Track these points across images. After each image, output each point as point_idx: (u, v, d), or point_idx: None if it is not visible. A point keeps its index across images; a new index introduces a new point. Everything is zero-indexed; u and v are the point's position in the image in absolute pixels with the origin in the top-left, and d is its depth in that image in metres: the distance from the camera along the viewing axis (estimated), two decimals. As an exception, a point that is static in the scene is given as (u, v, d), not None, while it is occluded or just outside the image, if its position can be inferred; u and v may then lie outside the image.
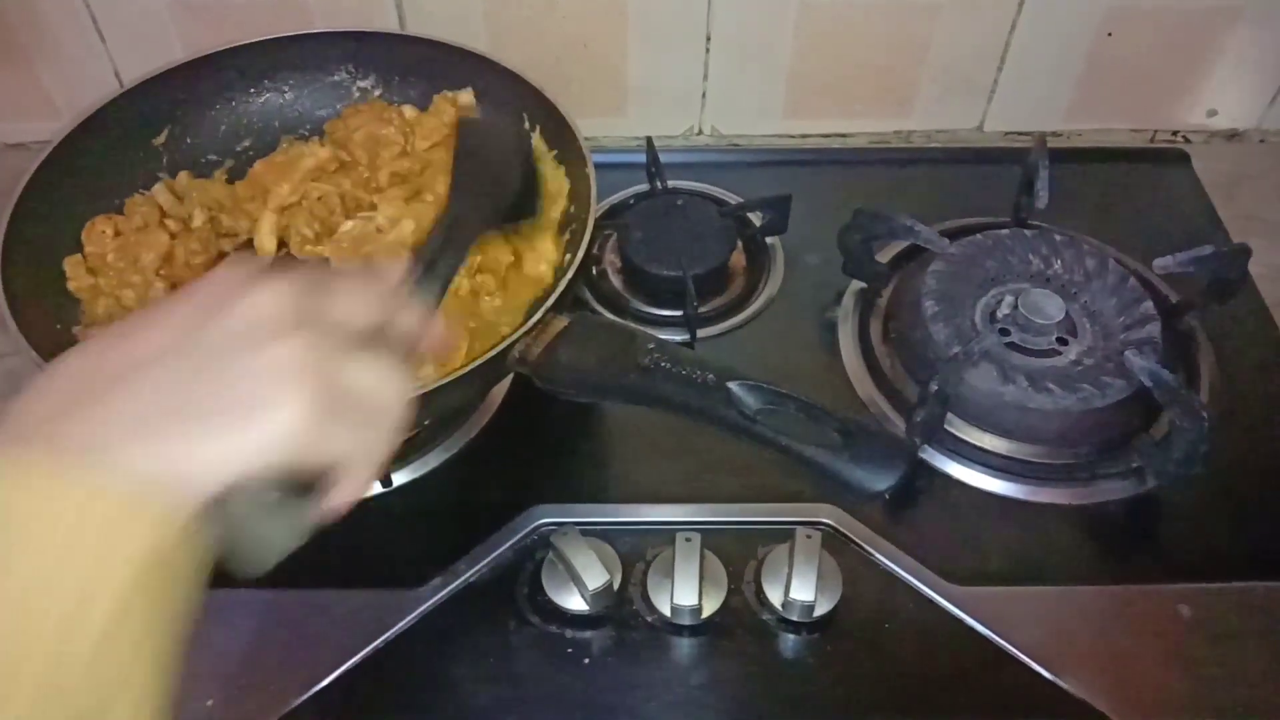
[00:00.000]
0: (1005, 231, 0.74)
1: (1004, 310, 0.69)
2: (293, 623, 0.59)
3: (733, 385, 0.48)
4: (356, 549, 0.63)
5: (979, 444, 0.66)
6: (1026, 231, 0.74)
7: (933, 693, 0.57)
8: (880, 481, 0.45)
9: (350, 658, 0.57)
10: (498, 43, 0.82)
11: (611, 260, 0.79)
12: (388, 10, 0.82)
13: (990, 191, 0.81)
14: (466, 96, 0.75)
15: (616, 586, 0.59)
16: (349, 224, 0.69)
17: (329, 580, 0.60)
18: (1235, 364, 0.71)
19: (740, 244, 0.79)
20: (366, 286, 0.39)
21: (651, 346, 0.51)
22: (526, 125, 0.72)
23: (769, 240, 0.79)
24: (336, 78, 0.77)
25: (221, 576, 0.59)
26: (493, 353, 0.55)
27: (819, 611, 0.57)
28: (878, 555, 0.61)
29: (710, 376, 0.48)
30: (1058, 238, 0.73)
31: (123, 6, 0.81)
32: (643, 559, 0.61)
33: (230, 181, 0.74)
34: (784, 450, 0.46)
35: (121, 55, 0.84)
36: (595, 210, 0.63)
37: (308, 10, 0.81)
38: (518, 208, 0.62)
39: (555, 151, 0.71)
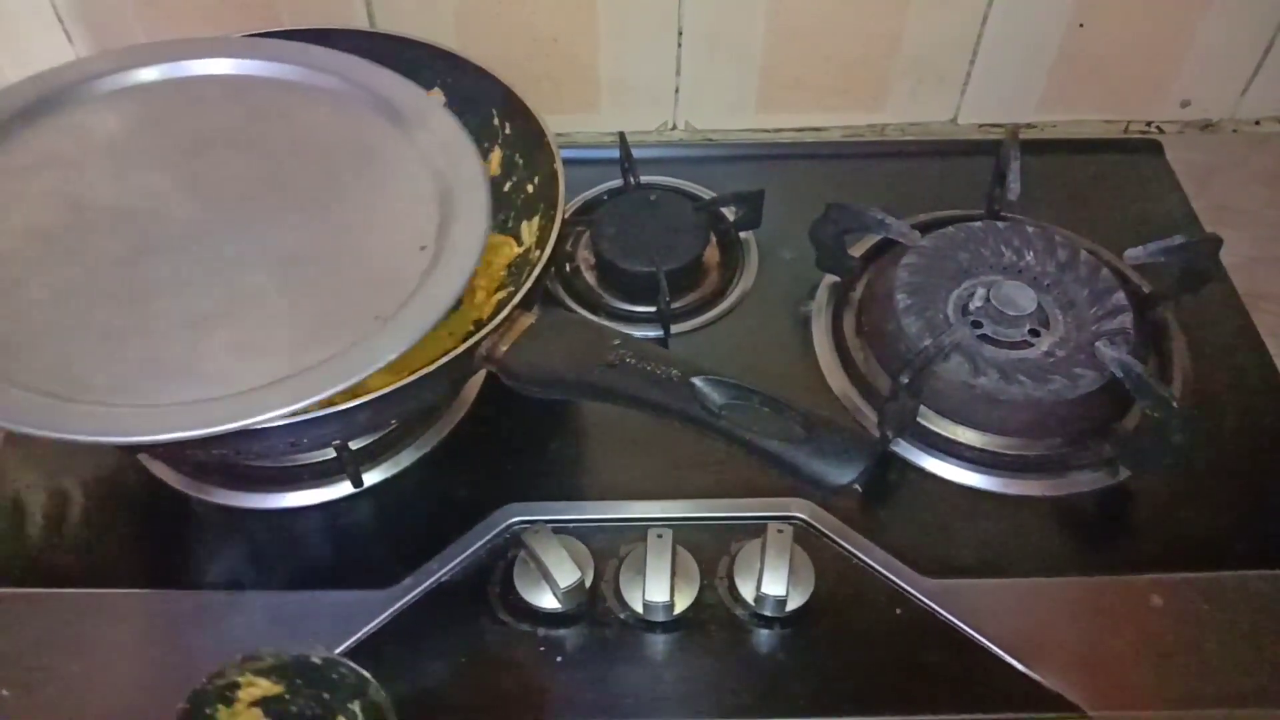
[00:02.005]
0: (978, 224, 0.74)
1: (976, 302, 0.70)
2: (265, 625, 0.59)
3: (697, 381, 0.48)
4: (328, 550, 0.63)
5: (952, 436, 0.66)
6: (999, 224, 0.74)
7: (906, 686, 0.57)
8: (843, 475, 0.45)
9: (322, 659, 0.57)
10: (467, 39, 0.82)
11: (585, 256, 0.79)
12: (356, 7, 0.81)
13: (964, 184, 0.81)
14: (435, 95, 0.75)
15: (588, 584, 0.58)
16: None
17: (300, 582, 0.60)
18: (1208, 354, 0.72)
19: (714, 239, 0.79)
20: None
21: (617, 343, 0.51)
22: (496, 122, 0.73)
23: (743, 235, 0.80)
24: (305, 75, 0.76)
25: (191, 578, 0.60)
26: (460, 350, 0.55)
27: (791, 606, 0.57)
28: (850, 549, 0.61)
29: (675, 372, 0.49)
30: (1030, 229, 0.73)
31: (88, 2, 0.81)
32: (615, 556, 0.61)
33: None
34: (747, 445, 0.46)
35: (87, 51, 0.83)
36: (564, 207, 0.63)
37: (274, 6, 0.81)
38: None
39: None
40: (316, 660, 0.48)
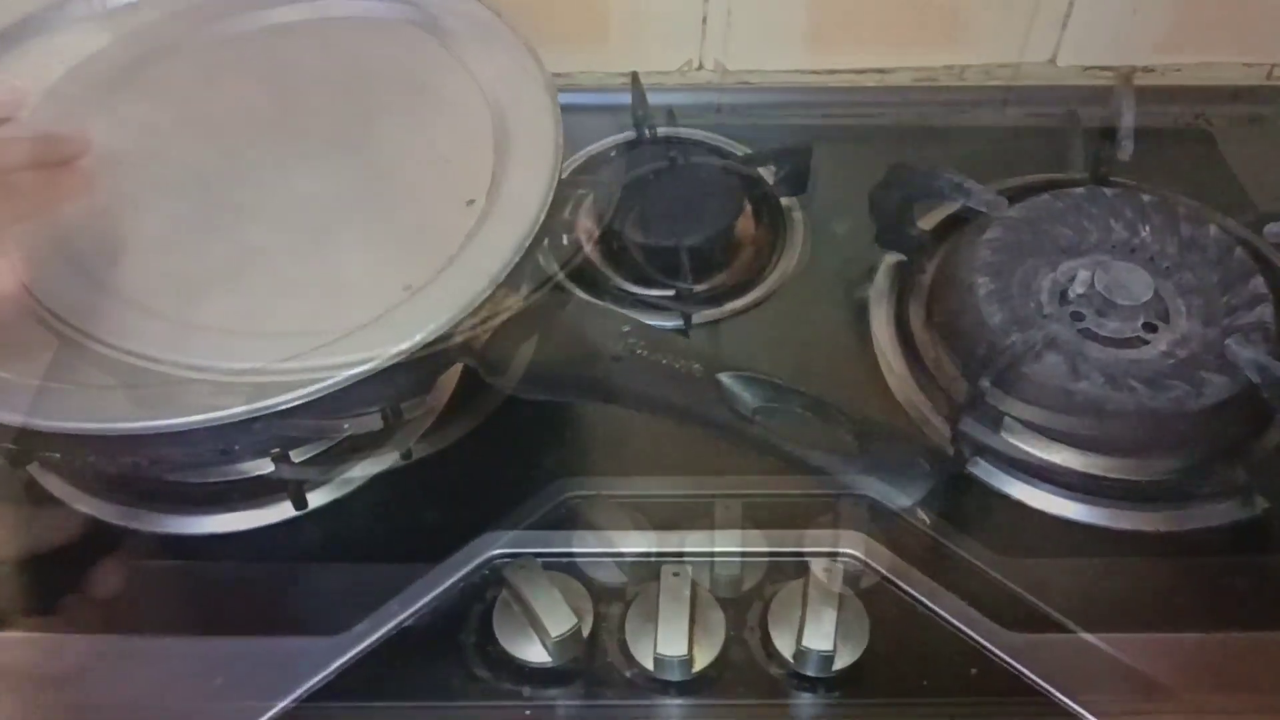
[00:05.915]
0: (1080, 191, 0.75)
1: (1077, 289, 0.70)
2: (190, 676, 0.59)
3: (724, 378, 0.48)
4: (265, 588, 0.64)
5: (1043, 456, 0.67)
6: (1106, 191, 0.75)
7: (982, 766, 0.57)
8: (904, 496, 0.45)
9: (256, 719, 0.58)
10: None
11: (586, 226, 0.79)
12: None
13: (1063, 141, 0.82)
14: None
15: (586, 633, 0.59)
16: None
17: (232, 626, 0.61)
18: (1369, 356, 0.71)
19: (749, 207, 0.80)
20: None
21: (626, 330, 0.52)
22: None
23: (785, 202, 0.80)
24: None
25: (90, 619, 0.60)
26: (429, 339, 0.55)
27: (839, 664, 0.58)
28: (914, 593, 0.61)
29: (696, 367, 0.49)
30: (1145, 198, 0.73)
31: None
32: (620, 599, 0.61)
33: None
34: (787, 457, 0.46)
35: None
36: (561, 166, 0.64)
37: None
38: None
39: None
40: None
